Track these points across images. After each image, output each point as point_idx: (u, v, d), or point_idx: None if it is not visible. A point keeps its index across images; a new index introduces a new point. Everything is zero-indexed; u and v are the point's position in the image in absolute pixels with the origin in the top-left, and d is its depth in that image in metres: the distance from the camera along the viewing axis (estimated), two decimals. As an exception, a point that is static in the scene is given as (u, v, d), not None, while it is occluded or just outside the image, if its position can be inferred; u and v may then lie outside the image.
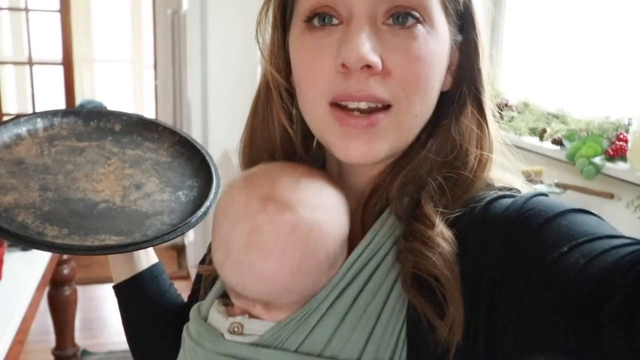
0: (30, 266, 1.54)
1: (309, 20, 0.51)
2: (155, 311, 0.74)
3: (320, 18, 0.50)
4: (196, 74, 3.11)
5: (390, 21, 0.49)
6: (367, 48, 0.47)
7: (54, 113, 0.81)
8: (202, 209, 0.72)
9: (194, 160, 0.80)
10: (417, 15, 0.49)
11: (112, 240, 0.67)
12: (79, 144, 0.80)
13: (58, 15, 3.70)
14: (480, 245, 0.48)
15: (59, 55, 3.76)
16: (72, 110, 0.83)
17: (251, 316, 0.52)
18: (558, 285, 0.40)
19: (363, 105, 0.49)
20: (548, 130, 1.52)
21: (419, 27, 0.49)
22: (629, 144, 1.22)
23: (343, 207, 0.52)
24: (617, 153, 1.27)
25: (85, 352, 2.74)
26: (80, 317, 2.93)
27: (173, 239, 0.71)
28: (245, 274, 0.49)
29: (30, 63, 3.77)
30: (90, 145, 0.80)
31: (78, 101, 4.53)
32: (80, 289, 2.58)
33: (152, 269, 0.74)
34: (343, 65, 0.48)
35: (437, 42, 0.50)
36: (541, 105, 1.70)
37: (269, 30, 0.57)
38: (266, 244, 0.48)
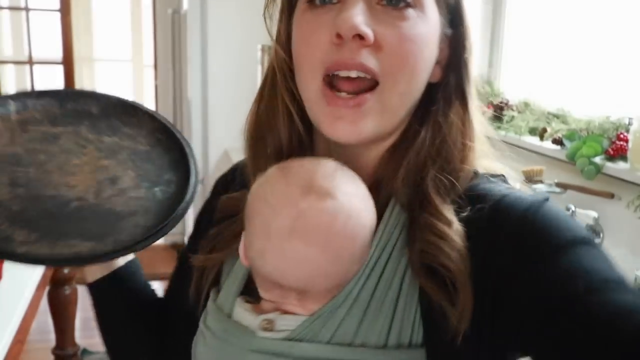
0: (31, 266, 1.53)
1: (311, 0, 0.54)
2: (134, 308, 0.73)
3: None
4: (196, 74, 3.11)
5: (384, 2, 0.52)
6: (359, 19, 0.49)
7: (28, 94, 0.75)
8: (178, 211, 0.67)
9: (174, 150, 0.74)
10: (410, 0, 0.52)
11: (83, 246, 0.64)
12: (53, 129, 0.74)
13: (58, 14, 3.70)
14: (489, 246, 0.50)
15: (59, 55, 3.76)
16: (48, 91, 0.76)
17: (283, 312, 0.53)
18: (574, 327, 0.43)
19: (353, 74, 0.51)
20: (548, 129, 1.51)
21: (410, 10, 0.52)
22: (630, 144, 1.21)
23: (371, 198, 0.54)
24: (618, 153, 1.27)
25: (85, 352, 2.74)
26: (81, 316, 2.92)
27: (145, 247, 0.66)
28: (287, 259, 0.50)
29: (31, 62, 3.77)
30: (65, 132, 0.74)
31: (78, 101, 4.53)
32: (80, 289, 2.58)
33: (129, 265, 0.73)
34: (338, 35, 0.50)
35: (426, 26, 0.53)
36: (541, 104, 1.70)
37: (276, 13, 0.60)
38: (310, 229, 0.49)
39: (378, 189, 0.56)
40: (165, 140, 0.75)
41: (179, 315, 0.67)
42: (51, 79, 4.21)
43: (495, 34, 2.00)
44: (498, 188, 0.55)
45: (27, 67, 3.78)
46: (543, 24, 1.80)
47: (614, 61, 1.51)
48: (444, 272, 0.49)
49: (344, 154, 0.57)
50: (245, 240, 0.54)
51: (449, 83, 0.57)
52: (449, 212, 0.52)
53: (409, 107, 0.55)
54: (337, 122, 0.52)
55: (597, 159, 1.29)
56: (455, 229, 0.51)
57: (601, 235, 1.26)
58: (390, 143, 0.58)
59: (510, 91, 1.91)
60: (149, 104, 5.53)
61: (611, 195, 1.24)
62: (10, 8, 4.83)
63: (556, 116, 1.60)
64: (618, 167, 1.25)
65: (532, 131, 1.59)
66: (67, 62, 3.77)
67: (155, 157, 0.74)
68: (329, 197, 0.50)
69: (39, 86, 3.90)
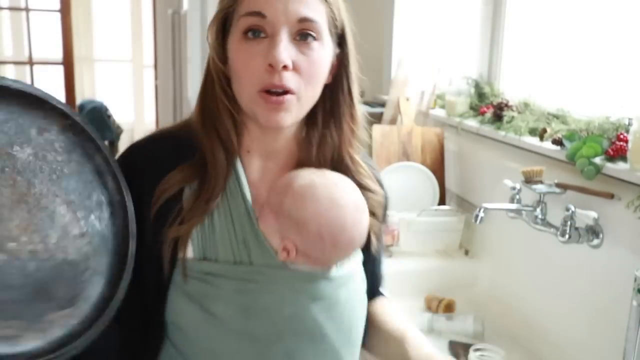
0: None
1: (245, 33, 0.78)
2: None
3: (253, 32, 0.78)
4: (196, 74, 3.11)
5: (298, 38, 0.78)
6: (285, 55, 0.76)
7: None
8: (130, 250, 0.66)
9: (92, 158, 0.67)
10: (314, 35, 0.79)
11: (56, 315, 0.60)
12: None
13: (58, 15, 3.70)
14: None
15: (59, 55, 3.76)
16: None
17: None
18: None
19: (280, 90, 0.77)
20: (548, 130, 1.51)
21: (315, 42, 0.79)
22: (629, 144, 1.21)
23: None
24: (618, 153, 1.27)
25: (85, 352, 2.74)
26: (81, 317, 2.91)
27: (117, 306, 0.64)
28: (353, 248, 0.86)
29: (31, 63, 3.77)
30: None
31: (78, 101, 4.53)
32: (80, 289, 2.57)
33: None
34: (270, 65, 0.76)
35: (324, 51, 0.81)
36: (541, 105, 1.70)
37: (214, 32, 0.84)
38: (365, 230, 0.86)
39: (302, 166, 0.87)
40: (80, 143, 0.66)
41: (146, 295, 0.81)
42: (51, 80, 4.20)
43: (495, 34, 2.00)
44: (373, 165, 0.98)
45: (27, 67, 3.78)
46: (543, 24, 1.80)
47: (614, 61, 1.51)
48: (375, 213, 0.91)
49: (269, 134, 0.85)
50: (314, 245, 0.81)
51: (342, 87, 0.86)
52: (371, 174, 0.92)
53: (312, 104, 0.84)
54: (270, 114, 0.78)
55: (597, 160, 1.29)
56: (377, 184, 0.93)
57: (601, 235, 1.26)
58: (301, 131, 0.89)
59: (510, 91, 1.91)
60: (149, 104, 5.53)
61: (611, 196, 1.24)
62: (10, 8, 4.83)
63: (556, 116, 1.60)
64: (618, 168, 1.25)
65: (532, 131, 1.59)
66: (67, 62, 3.77)
67: (76, 169, 0.66)
68: (365, 210, 0.85)
69: (40, 87, 3.89)
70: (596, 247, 1.27)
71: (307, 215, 0.80)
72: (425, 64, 2.15)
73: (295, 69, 0.78)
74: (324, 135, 0.88)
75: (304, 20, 0.77)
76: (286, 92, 0.77)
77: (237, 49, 0.80)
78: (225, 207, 0.82)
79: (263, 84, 0.77)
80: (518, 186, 1.44)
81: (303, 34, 0.78)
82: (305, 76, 0.79)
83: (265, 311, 0.80)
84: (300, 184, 0.81)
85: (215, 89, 0.83)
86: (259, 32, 0.77)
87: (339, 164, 0.89)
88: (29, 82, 3.80)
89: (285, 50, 0.76)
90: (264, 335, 0.80)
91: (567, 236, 1.28)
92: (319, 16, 0.79)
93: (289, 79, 0.77)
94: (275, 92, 0.77)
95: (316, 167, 0.87)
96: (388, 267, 1.27)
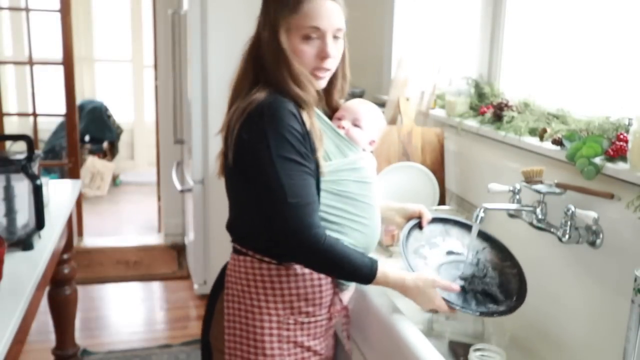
0: (30, 266, 1.54)
1: (304, 38, 1.21)
2: None
3: (309, 37, 1.21)
4: (196, 74, 3.11)
5: (333, 38, 1.22)
6: (331, 51, 1.23)
7: None
8: None
9: None
10: (341, 36, 1.24)
11: None
12: None
13: (58, 15, 3.70)
14: None
15: (59, 55, 3.76)
16: None
17: None
18: None
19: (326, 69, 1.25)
20: (548, 130, 1.51)
21: (340, 39, 1.24)
22: (629, 144, 1.21)
23: None
24: (618, 153, 1.27)
25: (85, 352, 2.74)
26: (81, 317, 2.92)
27: None
28: None
29: (31, 63, 3.77)
30: None
31: (78, 101, 4.53)
32: (80, 289, 2.58)
33: None
34: (322, 57, 1.22)
35: (343, 44, 1.27)
36: (541, 105, 1.70)
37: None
38: None
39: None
40: None
41: None
42: (51, 80, 4.20)
43: (495, 34, 2.00)
44: None
45: (27, 67, 3.78)
46: (543, 24, 1.80)
47: (614, 61, 1.51)
48: None
49: None
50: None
51: (345, 62, 1.31)
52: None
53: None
54: (319, 83, 1.26)
55: (597, 160, 1.29)
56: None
57: (601, 235, 1.26)
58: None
59: (510, 91, 1.91)
60: (149, 104, 5.53)
61: (611, 196, 1.24)
62: (10, 8, 4.82)
63: (556, 116, 1.60)
64: (618, 168, 1.25)
65: (532, 132, 1.59)
66: (67, 62, 3.77)
67: None
68: None
69: (39, 87, 3.90)
70: (596, 247, 1.28)
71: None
72: (425, 64, 2.16)
73: (333, 57, 1.22)
74: (336, 86, 1.33)
75: (338, 29, 1.22)
76: (327, 70, 1.24)
77: (298, 46, 1.20)
78: None
79: (315, 67, 1.22)
80: (518, 186, 1.44)
81: (336, 36, 1.22)
82: (336, 60, 1.25)
83: None
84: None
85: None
86: (311, 37, 1.20)
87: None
88: (28, 82, 3.80)
89: (330, 46, 1.21)
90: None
91: (567, 236, 1.29)
92: (343, 24, 1.23)
93: (330, 63, 1.23)
94: (324, 69, 1.23)
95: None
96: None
